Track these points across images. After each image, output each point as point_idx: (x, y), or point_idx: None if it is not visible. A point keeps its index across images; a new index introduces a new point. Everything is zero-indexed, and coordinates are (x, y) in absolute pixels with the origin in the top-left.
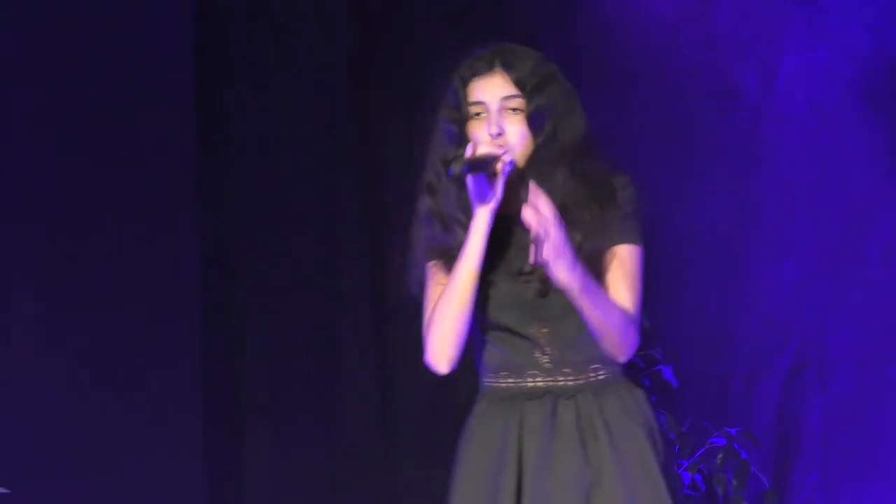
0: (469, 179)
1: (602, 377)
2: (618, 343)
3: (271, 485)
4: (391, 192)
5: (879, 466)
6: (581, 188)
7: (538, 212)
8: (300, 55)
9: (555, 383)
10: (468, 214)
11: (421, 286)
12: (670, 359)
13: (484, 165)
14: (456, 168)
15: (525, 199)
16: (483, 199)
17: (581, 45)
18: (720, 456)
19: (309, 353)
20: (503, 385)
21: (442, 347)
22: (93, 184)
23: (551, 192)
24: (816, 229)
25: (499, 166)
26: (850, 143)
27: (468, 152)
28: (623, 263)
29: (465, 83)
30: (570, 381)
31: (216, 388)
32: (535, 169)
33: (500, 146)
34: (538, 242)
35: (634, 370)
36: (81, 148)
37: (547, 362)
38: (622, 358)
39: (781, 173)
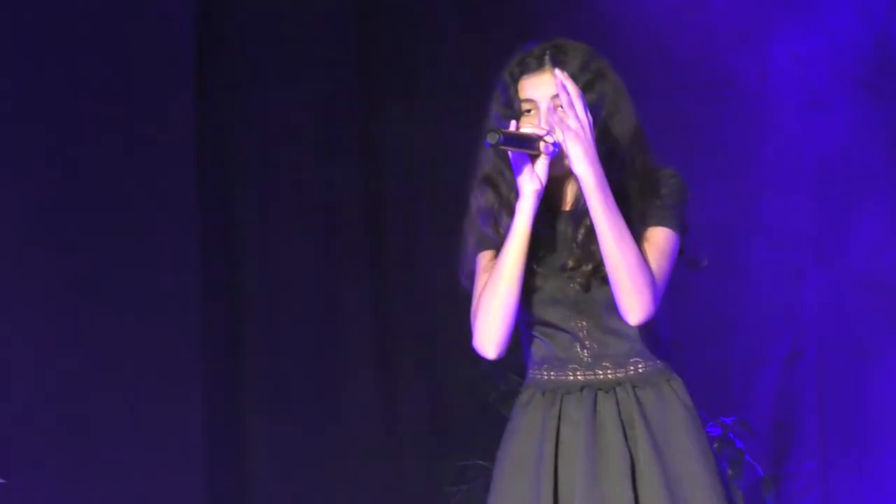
0: (512, 158)
1: (641, 370)
2: (632, 290)
3: (273, 475)
4: (391, 183)
5: (876, 455)
6: (631, 182)
7: (573, 106)
8: (303, 44)
9: (594, 377)
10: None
11: (471, 278)
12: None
13: (526, 143)
14: (492, 138)
15: (580, 197)
16: (528, 180)
17: (582, 34)
18: (715, 445)
19: (309, 343)
20: (545, 378)
21: (489, 332)
22: (90, 182)
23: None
24: (814, 218)
25: (541, 146)
26: (847, 131)
27: (511, 128)
28: (655, 243)
29: (516, 80)
30: (610, 374)
31: (217, 379)
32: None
33: (544, 129)
34: (568, 132)
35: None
36: (78, 137)
37: (587, 357)
38: (634, 316)
39: (780, 162)
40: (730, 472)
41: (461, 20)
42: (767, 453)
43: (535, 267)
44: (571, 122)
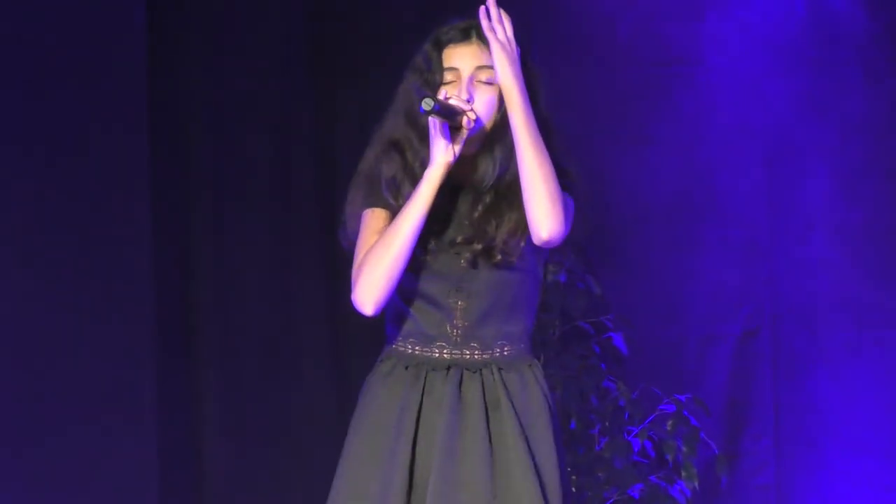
0: (432, 126)
1: (507, 353)
2: (548, 201)
3: (227, 452)
4: (346, 161)
5: (830, 432)
6: None
7: (503, 30)
8: (255, 35)
9: (461, 356)
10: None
11: (354, 233)
12: (621, 326)
13: (451, 115)
14: (427, 105)
15: (486, 175)
16: (442, 152)
17: (535, 18)
18: (670, 423)
19: (263, 322)
20: (409, 351)
21: (372, 290)
22: (42, 175)
23: (509, 169)
24: (769, 195)
25: (463, 121)
26: (795, 104)
27: (440, 97)
28: None
29: (440, 49)
30: (477, 355)
31: (170, 357)
32: (499, 145)
33: (468, 104)
34: (498, 44)
35: (584, 337)
36: (26, 134)
37: (457, 336)
38: (548, 227)
39: (732, 139)
40: (685, 449)
41: (418, 8)
42: (722, 431)
43: (426, 240)
44: (500, 34)
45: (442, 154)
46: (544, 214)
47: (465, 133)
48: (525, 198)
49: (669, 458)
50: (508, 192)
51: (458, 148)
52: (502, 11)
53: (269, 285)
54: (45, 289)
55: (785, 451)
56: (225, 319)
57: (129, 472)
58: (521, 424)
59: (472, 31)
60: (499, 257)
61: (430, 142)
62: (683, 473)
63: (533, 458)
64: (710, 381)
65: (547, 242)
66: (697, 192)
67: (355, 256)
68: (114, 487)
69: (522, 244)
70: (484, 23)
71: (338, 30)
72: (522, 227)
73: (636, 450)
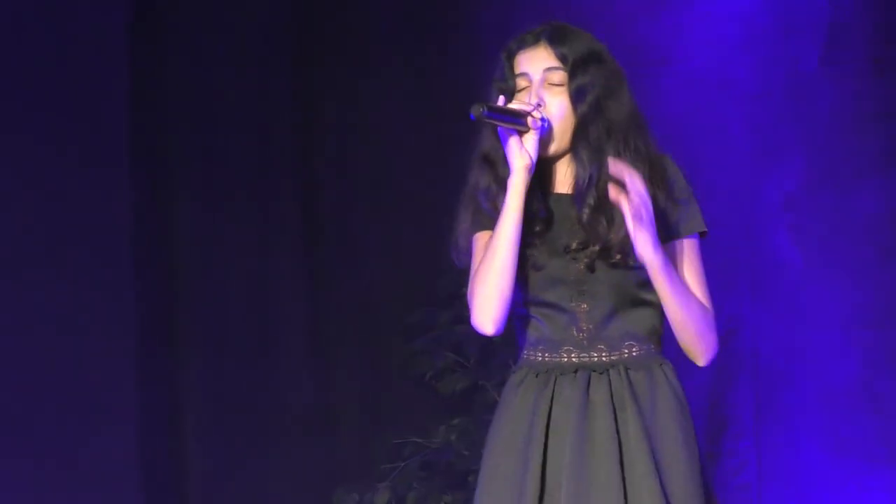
0: (500, 134)
1: (635, 354)
2: (698, 338)
3: (206, 452)
4: (328, 159)
5: (811, 432)
6: (636, 165)
7: (632, 183)
8: (237, 41)
9: (588, 359)
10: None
11: (465, 256)
12: None
13: (512, 117)
14: (476, 111)
15: (579, 177)
16: (517, 157)
17: (515, 21)
18: None
19: (243, 320)
20: (539, 359)
21: (486, 309)
22: (22, 175)
23: (604, 167)
24: (748, 195)
25: (529, 121)
26: (776, 107)
27: (499, 103)
28: (692, 260)
29: (512, 56)
30: (604, 356)
31: (150, 358)
32: (583, 145)
33: (532, 105)
34: (634, 216)
35: None
36: (4, 134)
37: (583, 338)
38: (702, 360)
39: (711, 139)
40: None
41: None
42: (702, 431)
43: (536, 246)
44: (634, 206)
45: (517, 159)
46: (701, 352)
47: (534, 135)
48: (678, 337)
49: None
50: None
51: (532, 150)
52: (628, 171)
53: (250, 284)
54: (25, 289)
55: (766, 451)
56: (205, 317)
57: (110, 470)
58: (646, 425)
59: (540, 36)
60: (617, 257)
61: (504, 150)
62: None
63: (658, 459)
64: (691, 381)
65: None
66: None
67: (468, 283)
68: (94, 485)
69: None
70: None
71: (320, 37)
72: None
73: None
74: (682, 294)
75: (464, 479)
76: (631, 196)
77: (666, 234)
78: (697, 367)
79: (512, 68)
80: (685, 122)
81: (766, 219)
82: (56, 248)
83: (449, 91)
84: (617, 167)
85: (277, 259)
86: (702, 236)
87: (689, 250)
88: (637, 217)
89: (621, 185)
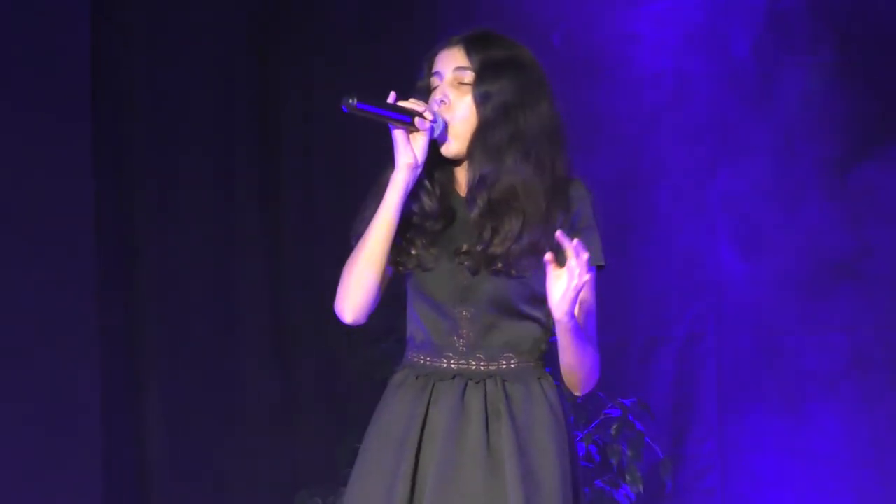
0: (391, 132)
1: (514, 366)
2: (583, 382)
3: (170, 452)
4: (288, 159)
5: (775, 436)
6: (535, 179)
7: (579, 264)
8: (198, 39)
9: (467, 367)
10: (427, 190)
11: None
12: None
13: (395, 113)
14: (347, 102)
15: (470, 177)
16: (402, 153)
17: (476, 14)
18: (615, 427)
19: (205, 325)
20: (420, 362)
21: (347, 297)
22: None
23: (502, 174)
24: (712, 198)
25: (417, 121)
26: (741, 111)
27: (389, 100)
28: (585, 291)
29: (431, 58)
30: (482, 366)
31: (113, 357)
32: (479, 146)
33: (425, 105)
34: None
35: None
36: None
37: (462, 346)
38: (580, 393)
39: (675, 143)
40: (630, 453)
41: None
42: (667, 434)
43: (428, 248)
44: (578, 278)
45: (401, 156)
46: (578, 388)
47: (424, 134)
48: (562, 373)
49: (614, 462)
50: (504, 199)
51: (419, 150)
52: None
53: (213, 284)
54: None
55: (729, 455)
56: (168, 318)
57: (73, 471)
58: (519, 437)
59: (461, 38)
60: (499, 265)
61: (393, 145)
62: (628, 477)
63: (527, 472)
64: (655, 384)
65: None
66: (642, 196)
67: None
68: (57, 484)
69: (529, 255)
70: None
71: (281, 37)
72: (528, 236)
73: (581, 454)
74: (582, 350)
75: None
76: (570, 268)
77: (541, 237)
78: (656, 369)
79: (430, 68)
80: (655, 126)
81: (732, 222)
82: (19, 251)
83: (409, 94)
84: (563, 238)
85: (241, 260)
86: (599, 270)
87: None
88: (570, 290)
89: (559, 253)
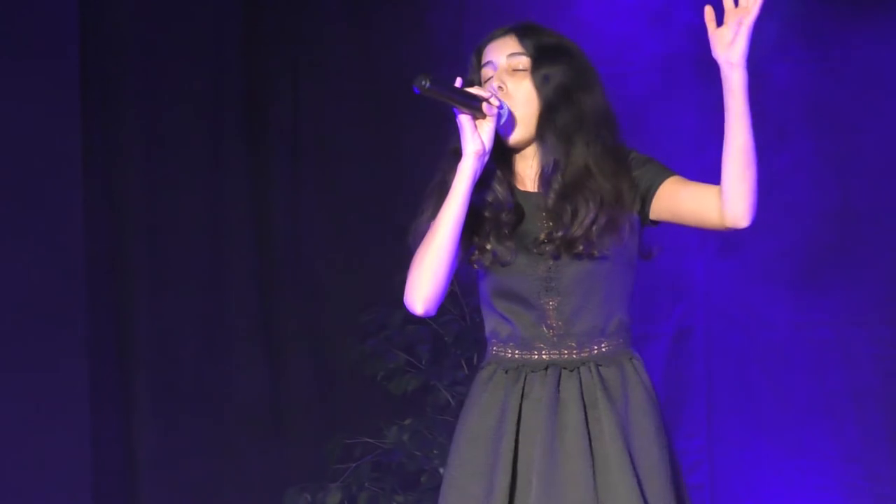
0: (457, 120)
1: (605, 349)
2: (751, 195)
3: (159, 452)
4: (278, 159)
5: (763, 431)
6: (606, 158)
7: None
8: (190, 23)
9: (559, 356)
10: (498, 178)
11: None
12: None
13: (463, 99)
14: (419, 81)
15: (544, 161)
16: (469, 141)
17: (470, 23)
18: None
19: (195, 321)
20: (508, 355)
21: (418, 287)
22: None
23: (573, 157)
24: None
25: (485, 107)
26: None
27: (455, 84)
28: (685, 180)
29: (480, 51)
30: (575, 353)
31: (102, 357)
32: (549, 128)
33: (491, 92)
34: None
35: None
36: None
37: (553, 335)
38: (745, 221)
39: (663, 139)
40: None
41: (348, 15)
42: None
43: (503, 242)
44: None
45: (469, 143)
46: (747, 205)
47: (491, 121)
48: (727, 185)
49: None
50: (579, 180)
51: (486, 137)
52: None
53: (201, 283)
54: None
55: (718, 451)
56: (156, 317)
57: (63, 472)
58: (619, 421)
59: (509, 29)
60: (580, 248)
61: (459, 133)
62: None
63: (631, 454)
64: None
65: (736, 231)
66: None
67: None
68: (45, 483)
69: (608, 233)
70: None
71: (270, 41)
72: (605, 214)
73: None
74: (751, 136)
75: (416, 479)
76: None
77: (618, 214)
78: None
79: (479, 61)
80: (643, 125)
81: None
82: (8, 249)
83: (398, 91)
84: None
85: (229, 258)
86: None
87: (678, 181)
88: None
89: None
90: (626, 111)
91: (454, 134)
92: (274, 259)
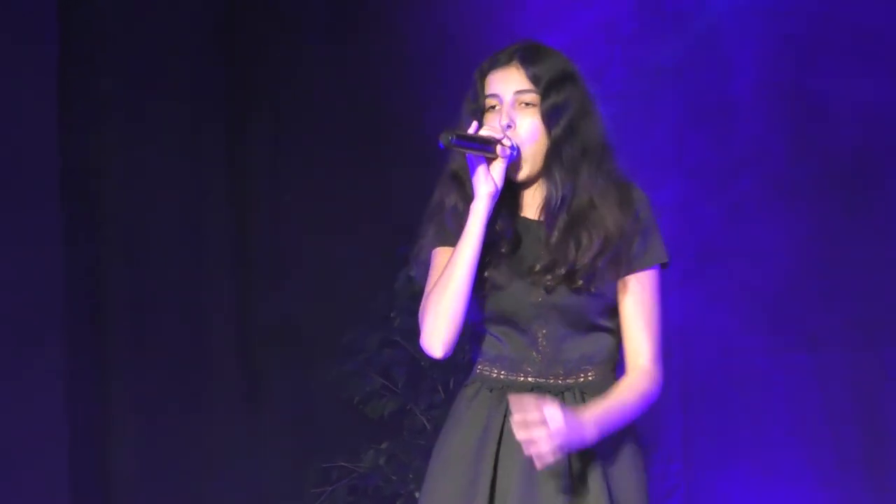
0: (468, 159)
1: (591, 378)
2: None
3: (135, 474)
4: (258, 179)
5: (740, 455)
6: (609, 190)
7: (526, 421)
8: (167, 47)
9: (545, 381)
10: (499, 212)
11: (423, 267)
12: None
13: (482, 144)
14: (445, 138)
15: (551, 197)
16: (482, 183)
17: (444, 41)
18: None
19: (173, 343)
20: (494, 375)
21: (436, 331)
22: None
23: (577, 189)
24: (675, 218)
25: (498, 149)
26: (700, 126)
27: (469, 130)
28: (647, 292)
29: (484, 76)
30: (560, 379)
31: (80, 378)
32: (557, 164)
33: (503, 132)
34: (535, 451)
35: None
36: None
37: (541, 360)
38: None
39: (635, 158)
40: None
41: (327, 20)
42: None
43: (499, 267)
44: (555, 442)
45: (482, 185)
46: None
47: (502, 162)
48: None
49: None
50: (583, 213)
51: (498, 177)
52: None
53: (180, 303)
54: None
55: (695, 475)
56: (136, 339)
57: (40, 474)
58: (599, 447)
59: (513, 56)
60: (580, 282)
61: (471, 174)
62: None
63: (608, 481)
64: None
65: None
66: None
67: (423, 298)
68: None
69: (610, 267)
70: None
71: (249, 47)
72: (608, 247)
73: None
74: (628, 417)
75: (392, 503)
76: (528, 433)
77: (626, 267)
78: None
79: (483, 88)
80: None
81: (696, 244)
82: None
83: (379, 110)
84: (517, 405)
85: (208, 280)
86: (663, 267)
87: (646, 282)
88: (556, 444)
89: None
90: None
91: (442, 154)
92: (252, 281)
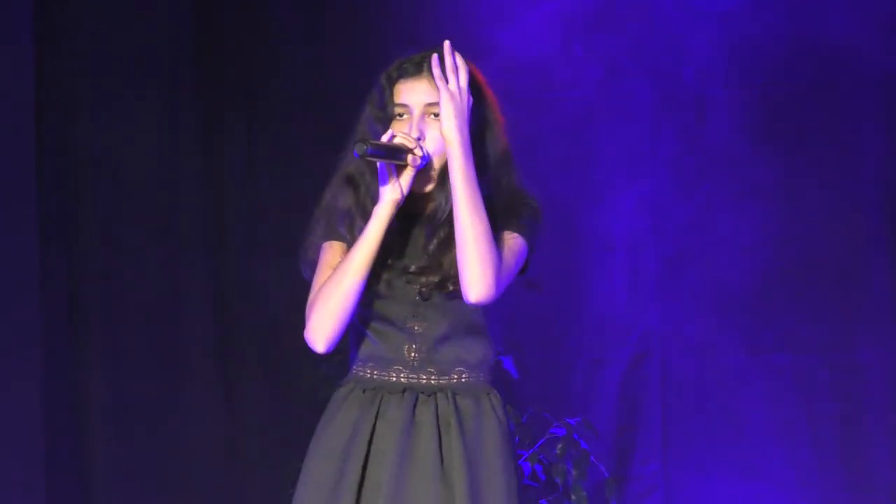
0: (379, 167)
1: (464, 380)
2: (479, 262)
3: (114, 483)
4: (232, 181)
5: (719, 456)
6: (498, 202)
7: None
8: (141, 52)
9: (417, 381)
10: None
11: (312, 266)
12: (510, 349)
13: (394, 153)
14: (360, 148)
15: (439, 209)
16: (389, 189)
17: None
18: (560, 446)
19: (149, 346)
20: (367, 375)
21: (322, 326)
22: None
23: None
24: (654, 218)
25: (409, 158)
26: (679, 129)
27: (383, 138)
28: (507, 243)
29: (392, 83)
30: (433, 380)
31: (56, 379)
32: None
33: (415, 142)
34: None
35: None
36: None
37: (414, 360)
38: (476, 290)
39: (614, 161)
40: (575, 472)
41: (303, 23)
42: (612, 454)
43: (383, 264)
44: (451, 84)
45: (389, 192)
46: (475, 277)
47: (412, 171)
48: (459, 255)
49: (559, 481)
50: None
51: (406, 185)
52: (459, 58)
53: (156, 307)
54: None
55: (674, 476)
56: (111, 342)
57: (17, 479)
58: (467, 451)
59: (423, 66)
60: (451, 288)
61: (380, 180)
62: (573, 497)
63: (476, 486)
64: (600, 405)
65: (475, 304)
66: (583, 216)
67: (311, 290)
68: None
69: None
70: (435, 71)
71: (224, 49)
72: None
73: (527, 474)
74: (474, 197)
75: None
76: (450, 80)
77: (496, 231)
78: (601, 390)
79: (392, 96)
80: (594, 146)
81: (675, 243)
82: None
83: (354, 107)
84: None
85: (184, 283)
86: (530, 251)
87: (508, 239)
88: (451, 95)
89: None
90: (580, 140)
91: (345, 160)
92: (229, 283)
